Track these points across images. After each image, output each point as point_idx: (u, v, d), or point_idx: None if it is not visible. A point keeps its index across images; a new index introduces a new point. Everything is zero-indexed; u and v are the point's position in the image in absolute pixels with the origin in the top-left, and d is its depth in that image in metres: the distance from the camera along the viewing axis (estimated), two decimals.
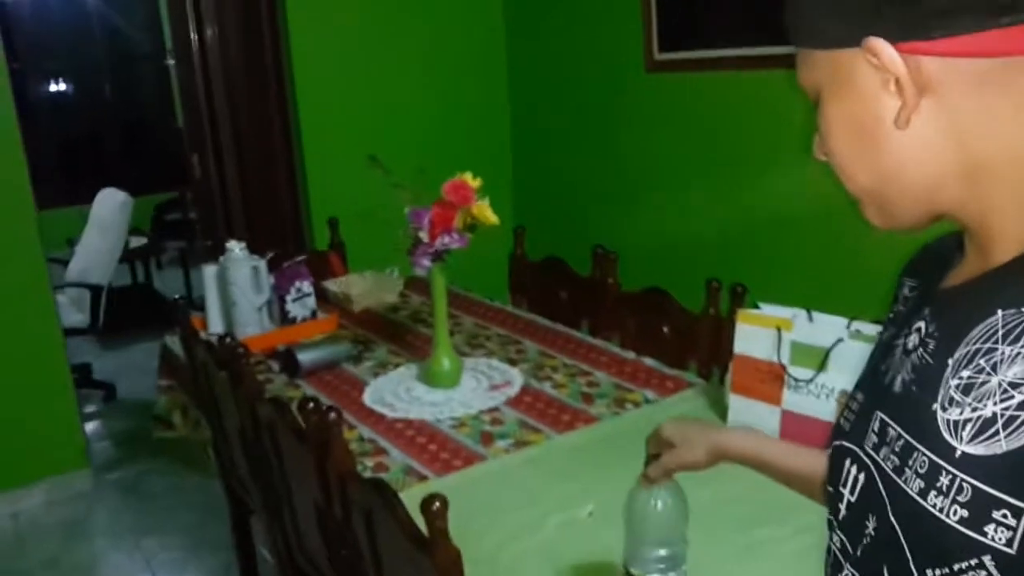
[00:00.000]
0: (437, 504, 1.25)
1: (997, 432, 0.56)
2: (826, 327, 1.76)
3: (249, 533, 2.67)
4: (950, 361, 0.62)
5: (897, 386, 0.68)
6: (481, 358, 2.42)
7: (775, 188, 2.94)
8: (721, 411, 1.95)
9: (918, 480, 0.61)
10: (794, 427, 1.80)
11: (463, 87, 4.03)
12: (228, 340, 2.14)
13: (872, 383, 0.73)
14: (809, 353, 1.77)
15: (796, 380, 1.79)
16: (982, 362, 0.59)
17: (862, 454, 0.70)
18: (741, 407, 1.89)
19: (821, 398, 1.75)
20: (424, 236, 2.10)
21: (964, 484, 0.57)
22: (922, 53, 0.60)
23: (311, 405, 1.69)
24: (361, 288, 3.00)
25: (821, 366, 1.75)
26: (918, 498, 0.60)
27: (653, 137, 3.43)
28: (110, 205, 4.91)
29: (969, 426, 0.58)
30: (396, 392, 2.22)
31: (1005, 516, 0.54)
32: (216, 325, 2.71)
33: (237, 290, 2.61)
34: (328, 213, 3.42)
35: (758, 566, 1.44)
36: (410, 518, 1.32)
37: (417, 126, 3.87)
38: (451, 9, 3.94)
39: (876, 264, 2.56)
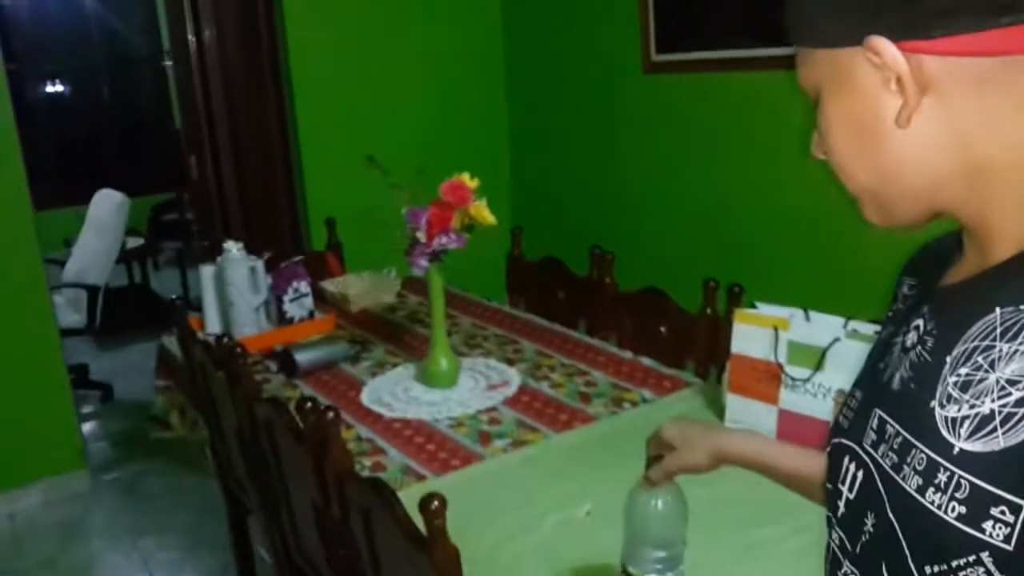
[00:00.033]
0: (436, 503, 1.25)
1: (995, 429, 0.56)
2: (823, 327, 1.77)
3: (247, 533, 2.67)
4: (948, 358, 0.62)
5: (895, 383, 0.68)
6: (479, 358, 2.42)
7: (772, 188, 2.94)
8: (718, 410, 1.96)
9: (916, 477, 0.61)
10: (791, 426, 1.80)
11: (461, 87, 4.04)
12: (226, 340, 2.14)
13: (871, 381, 0.74)
14: (806, 353, 1.77)
15: (793, 379, 1.79)
16: (980, 359, 0.59)
17: (861, 451, 0.70)
18: (738, 406, 1.89)
19: (818, 397, 1.76)
20: (421, 236, 2.10)
21: (962, 481, 0.57)
22: (923, 52, 0.61)
23: (309, 405, 1.69)
24: (358, 288, 3.00)
25: (818, 366, 1.75)
26: (916, 495, 0.61)
27: (650, 138, 3.43)
28: (107, 206, 4.91)
29: (967, 423, 0.58)
30: (394, 392, 2.23)
31: (1003, 512, 0.55)
32: (213, 325, 2.70)
33: (234, 290, 2.61)
34: (325, 213, 3.42)
35: (757, 566, 1.45)
36: (408, 517, 1.32)
37: (415, 126, 3.88)
38: (449, 10, 3.95)
39: (873, 264, 2.57)
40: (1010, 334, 0.58)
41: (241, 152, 4.27)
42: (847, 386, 1.73)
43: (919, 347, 0.67)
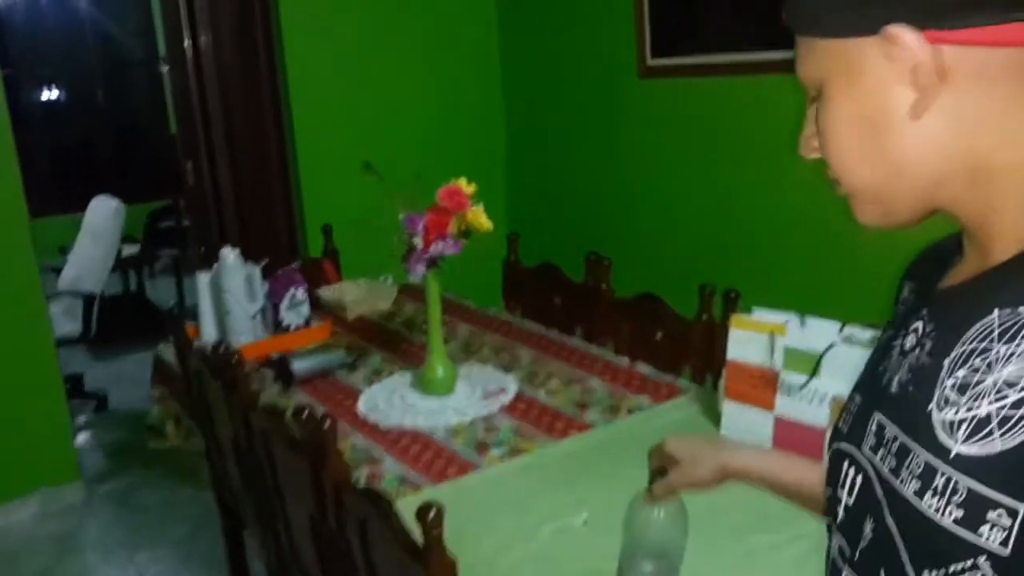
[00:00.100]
0: (433, 512, 1.24)
1: (992, 432, 0.56)
2: (819, 332, 1.76)
3: (242, 546, 2.66)
4: (946, 361, 0.62)
5: (894, 387, 0.68)
6: (475, 365, 2.42)
7: (767, 193, 2.94)
8: (715, 417, 1.95)
9: (914, 481, 0.61)
10: (787, 433, 1.79)
11: (457, 93, 4.05)
12: (222, 349, 2.13)
13: (870, 384, 0.73)
14: (802, 358, 1.77)
15: (789, 385, 1.79)
16: (978, 361, 0.59)
17: (860, 456, 0.70)
18: (734, 413, 1.89)
19: (814, 404, 1.75)
20: (419, 242, 2.09)
21: (959, 484, 0.57)
22: (945, 42, 0.60)
23: (306, 414, 1.69)
24: (355, 295, 2.99)
25: (814, 372, 1.75)
26: (914, 499, 0.60)
27: (646, 142, 3.43)
28: (103, 212, 4.89)
29: (964, 426, 0.58)
30: (390, 400, 2.22)
31: (1000, 516, 0.54)
32: (210, 334, 2.69)
33: (231, 298, 2.60)
34: (322, 220, 3.41)
35: (756, 574, 1.44)
36: (405, 528, 1.31)
37: (411, 132, 3.88)
38: (445, 15, 3.95)
39: (870, 267, 2.56)
40: (1008, 336, 0.57)
41: (237, 158, 4.27)
42: (842, 392, 1.73)
43: (917, 350, 0.67)
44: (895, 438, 0.65)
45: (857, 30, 0.63)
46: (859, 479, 0.69)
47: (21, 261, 3.45)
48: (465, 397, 2.20)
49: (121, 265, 5.75)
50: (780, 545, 1.46)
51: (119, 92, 8.04)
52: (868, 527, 0.67)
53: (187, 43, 4.23)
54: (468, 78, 4.08)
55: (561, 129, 3.88)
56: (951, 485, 0.57)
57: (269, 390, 2.35)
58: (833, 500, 0.74)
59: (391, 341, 2.67)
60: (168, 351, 2.68)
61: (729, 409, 1.90)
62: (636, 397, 2.14)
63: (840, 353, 1.71)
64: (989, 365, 0.58)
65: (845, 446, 0.73)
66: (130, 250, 5.87)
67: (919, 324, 0.68)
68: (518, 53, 4.07)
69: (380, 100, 3.83)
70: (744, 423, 1.86)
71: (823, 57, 0.67)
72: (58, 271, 4.86)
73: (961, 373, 0.60)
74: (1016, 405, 0.55)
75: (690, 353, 2.34)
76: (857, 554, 0.69)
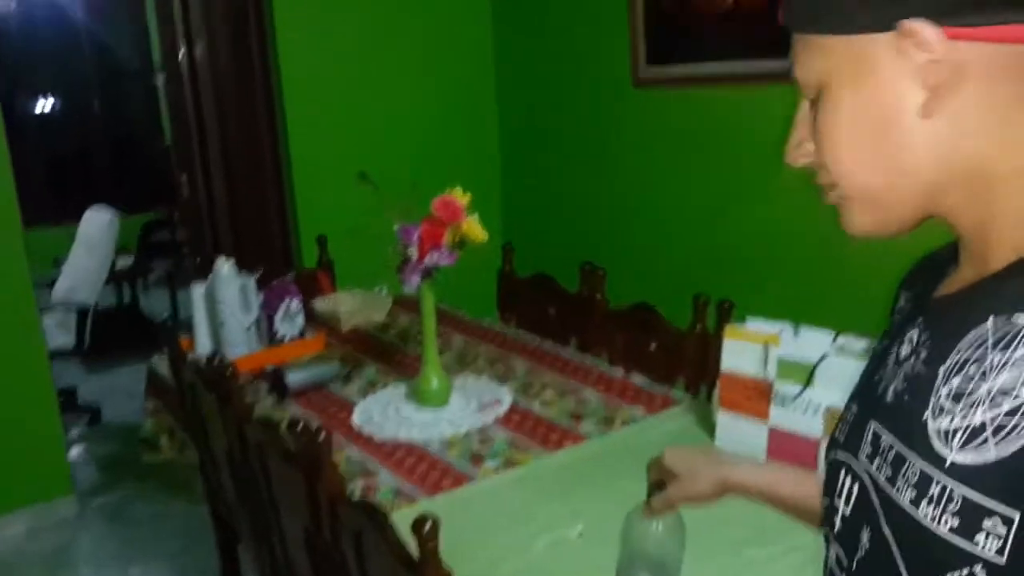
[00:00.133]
0: (428, 525, 1.24)
1: (986, 440, 0.56)
2: (812, 342, 1.77)
3: (236, 559, 2.65)
4: (941, 369, 0.62)
5: (889, 396, 0.68)
6: (470, 376, 2.42)
7: (762, 203, 2.95)
8: (709, 428, 1.95)
9: (910, 490, 0.60)
10: (781, 443, 1.80)
11: (452, 103, 4.05)
12: (217, 361, 2.13)
13: (866, 394, 0.73)
14: (796, 369, 1.77)
15: (783, 396, 1.79)
16: (972, 370, 0.59)
17: (856, 465, 0.70)
18: (729, 424, 1.89)
19: (808, 414, 1.75)
20: (413, 253, 2.10)
21: (955, 493, 0.57)
22: (963, 38, 0.59)
23: (300, 427, 1.68)
24: (350, 306, 2.99)
25: (807, 382, 1.75)
26: (910, 508, 0.60)
27: (640, 152, 3.44)
28: (97, 223, 4.89)
29: (959, 434, 0.58)
30: (385, 412, 2.21)
31: (995, 525, 0.54)
32: (204, 345, 2.69)
33: (226, 309, 2.60)
34: (316, 231, 3.41)
35: None
36: (400, 541, 1.31)
37: (406, 143, 3.88)
38: (440, 25, 3.96)
39: (861, 277, 2.57)
40: (1002, 344, 0.57)
41: (232, 169, 4.27)
42: (836, 402, 1.73)
43: (913, 358, 0.66)
44: (891, 447, 0.65)
45: (870, 25, 0.62)
46: (856, 488, 0.69)
47: (14, 272, 3.43)
48: (460, 409, 2.20)
49: (115, 277, 5.74)
50: (776, 557, 1.46)
51: (114, 103, 8.04)
52: (865, 536, 0.66)
53: (182, 53, 4.24)
54: (463, 88, 4.09)
55: (556, 139, 3.89)
56: (946, 494, 0.57)
57: (263, 402, 2.35)
58: (830, 509, 0.74)
59: (386, 352, 2.67)
60: (162, 363, 2.67)
61: (723, 420, 1.90)
62: (630, 408, 2.14)
63: (834, 363, 1.71)
64: (983, 373, 0.57)
65: (842, 455, 0.73)
66: (124, 262, 5.85)
67: (914, 333, 0.68)
68: (513, 63, 4.08)
69: (375, 110, 3.84)
70: (738, 434, 1.86)
71: (828, 55, 0.65)
72: (52, 283, 4.85)
73: (956, 381, 0.59)
74: (1010, 413, 0.55)
75: (684, 363, 2.35)
76: (854, 563, 0.69)
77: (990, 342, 0.58)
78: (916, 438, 0.61)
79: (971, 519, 0.55)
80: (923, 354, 0.65)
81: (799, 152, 0.72)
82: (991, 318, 0.59)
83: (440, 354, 2.26)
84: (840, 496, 0.71)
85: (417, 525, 1.25)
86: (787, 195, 2.80)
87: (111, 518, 3.64)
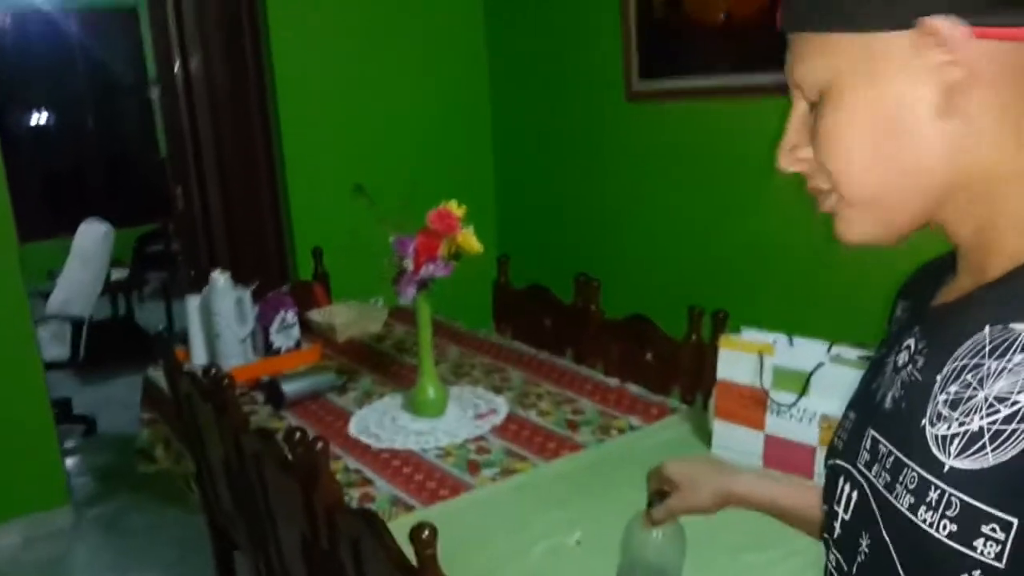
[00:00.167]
0: (427, 532, 1.24)
1: (984, 446, 0.56)
2: (807, 351, 1.78)
3: (233, 570, 2.64)
4: (938, 377, 0.62)
5: (887, 403, 0.68)
6: (466, 387, 2.42)
7: (754, 215, 2.97)
8: (705, 436, 1.96)
9: (908, 496, 0.61)
10: (777, 451, 1.81)
11: (446, 116, 4.07)
12: (213, 371, 2.13)
13: (864, 401, 0.74)
14: (791, 378, 1.79)
15: (778, 405, 1.80)
16: (969, 377, 0.59)
17: (855, 472, 0.70)
18: (725, 433, 1.90)
19: (803, 422, 1.76)
20: (409, 265, 2.11)
21: (953, 499, 0.57)
22: (987, 37, 0.59)
23: (297, 436, 1.69)
24: (345, 318, 3.00)
25: (803, 390, 1.76)
26: (908, 514, 0.60)
27: (634, 165, 3.46)
28: (92, 236, 4.90)
29: (957, 441, 0.58)
30: (381, 422, 2.22)
31: (994, 530, 0.55)
32: (200, 357, 2.70)
33: (221, 321, 2.61)
34: (312, 243, 3.42)
35: None
36: (399, 548, 1.32)
37: (401, 156, 3.89)
38: (434, 39, 3.98)
39: (853, 288, 2.60)
40: (998, 352, 0.58)
41: (227, 181, 4.28)
42: (832, 411, 1.75)
43: (910, 366, 0.67)
44: (889, 453, 0.65)
45: (888, 23, 0.61)
46: (855, 495, 0.69)
47: (9, 285, 3.44)
48: (456, 418, 2.21)
49: (110, 289, 5.74)
50: (775, 562, 1.46)
51: (109, 117, 8.05)
52: (864, 542, 0.67)
53: (177, 67, 4.25)
54: (457, 102, 4.11)
55: (550, 152, 3.91)
56: (944, 499, 0.58)
57: (260, 412, 2.35)
58: (830, 516, 0.74)
59: (382, 363, 2.68)
60: (158, 374, 2.68)
61: (719, 428, 1.91)
62: (627, 417, 2.15)
63: (829, 372, 1.73)
64: (980, 381, 0.58)
65: (840, 462, 0.73)
66: (119, 274, 5.86)
67: (912, 341, 0.69)
68: (507, 76, 4.10)
69: (370, 123, 3.85)
70: (734, 442, 1.87)
71: (837, 54, 0.64)
72: (46, 295, 4.86)
73: (953, 389, 0.60)
74: (1007, 420, 0.55)
75: (679, 373, 2.36)
76: (854, 569, 0.69)
77: (987, 350, 0.59)
78: (914, 445, 0.62)
79: (969, 525, 0.56)
80: (920, 362, 0.66)
81: (793, 157, 0.71)
82: (988, 326, 0.60)
83: (436, 364, 2.27)
84: (839, 502, 0.72)
85: (415, 532, 1.25)
86: (779, 207, 2.83)
87: (107, 528, 3.63)
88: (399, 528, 1.35)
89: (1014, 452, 0.55)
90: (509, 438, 2.09)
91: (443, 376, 2.41)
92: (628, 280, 3.36)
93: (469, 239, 2.11)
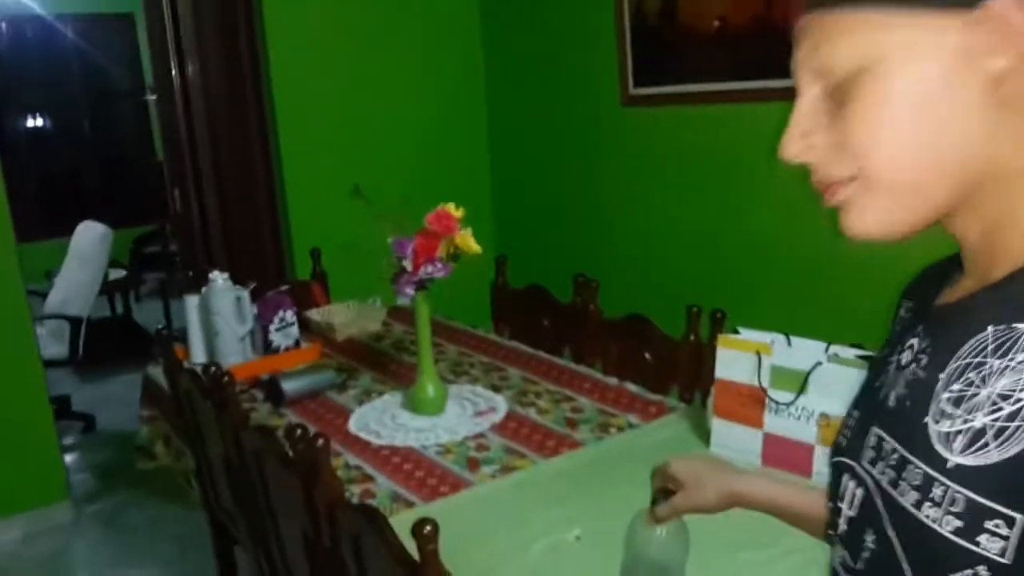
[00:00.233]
0: (428, 528, 1.25)
1: (987, 443, 0.57)
2: (805, 351, 1.79)
3: (233, 564, 2.66)
4: (942, 375, 0.63)
5: (891, 401, 0.69)
6: (465, 385, 2.44)
7: (748, 218, 2.99)
8: (703, 435, 1.98)
9: (913, 492, 0.61)
10: (776, 450, 1.82)
11: (443, 119, 4.09)
12: (214, 369, 2.14)
13: (867, 400, 0.74)
14: (789, 377, 1.80)
15: (777, 403, 1.82)
16: (972, 375, 0.60)
17: (859, 469, 0.70)
18: (723, 431, 1.91)
19: (802, 421, 1.78)
20: (408, 265, 2.12)
21: (957, 495, 0.58)
22: None
23: (298, 432, 1.70)
24: (344, 317, 3.01)
25: (801, 389, 1.78)
26: (913, 510, 0.61)
27: (629, 167, 3.48)
28: (90, 237, 4.91)
29: (960, 437, 0.59)
30: (381, 420, 2.23)
31: (998, 526, 0.55)
32: (199, 355, 2.71)
33: (220, 320, 2.62)
34: (309, 244, 3.43)
35: None
36: (400, 543, 1.33)
37: (398, 158, 3.91)
38: (430, 44, 4.00)
39: (851, 289, 2.61)
40: (1001, 350, 0.58)
41: (224, 183, 4.28)
42: (830, 409, 1.76)
43: (914, 365, 0.67)
44: (893, 451, 0.65)
45: (951, 3, 0.59)
46: (859, 492, 0.70)
47: (8, 285, 3.46)
48: (456, 416, 2.22)
49: (108, 289, 5.75)
50: (775, 559, 1.47)
51: (105, 120, 8.08)
52: (870, 539, 0.67)
53: (174, 72, 4.26)
54: (453, 105, 4.12)
55: (546, 155, 3.92)
56: (949, 496, 0.58)
57: (259, 410, 2.36)
58: (834, 513, 0.74)
59: (381, 362, 2.69)
60: (157, 372, 2.69)
61: (718, 426, 1.92)
62: (625, 415, 2.16)
63: (827, 371, 1.74)
64: (984, 378, 0.59)
65: (845, 459, 0.74)
66: (116, 275, 5.87)
67: (915, 340, 0.69)
68: (503, 80, 4.12)
69: (367, 126, 3.87)
70: (733, 440, 1.89)
71: (879, 32, 0.62)
72: (43, 295, 4.86)
73: (956, 387, 0.61)
74: (1011, 417, 0.56)
75: (678, 373, 2.37)
76: (860, 565, 0.70)
77: (990, 348, 0.59)
78: (918, 442, 0.62)
79: (974, 520, 0.56)
80: (924, 360, 0.66)
81: (804, 144, 0.68)
82: (991, 326, 0.60)
83: (435, 363, 2.28)
84: (844, 500, 0.72)
85: (417, 528, 1.26)
86: (774, 208, 2.85)
87: (106, 524, 3.65)
88: (400, 524, 1.35)
89: (1017, 448, 0.55)
90: (508, 436, 2.10)
91: (442, 374, 2.42)
92: (625, 280, 3.38)
93: (467, 240, 2.12)
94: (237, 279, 2.71)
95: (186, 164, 4.41)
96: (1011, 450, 0.55)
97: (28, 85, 7.59)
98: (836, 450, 0.77)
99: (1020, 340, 0.58)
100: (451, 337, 2.87)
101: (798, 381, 1.78)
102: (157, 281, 6.65)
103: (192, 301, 2.71)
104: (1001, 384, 0.57)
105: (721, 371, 1.92)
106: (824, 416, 1.75)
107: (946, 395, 0.61)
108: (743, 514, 1.06)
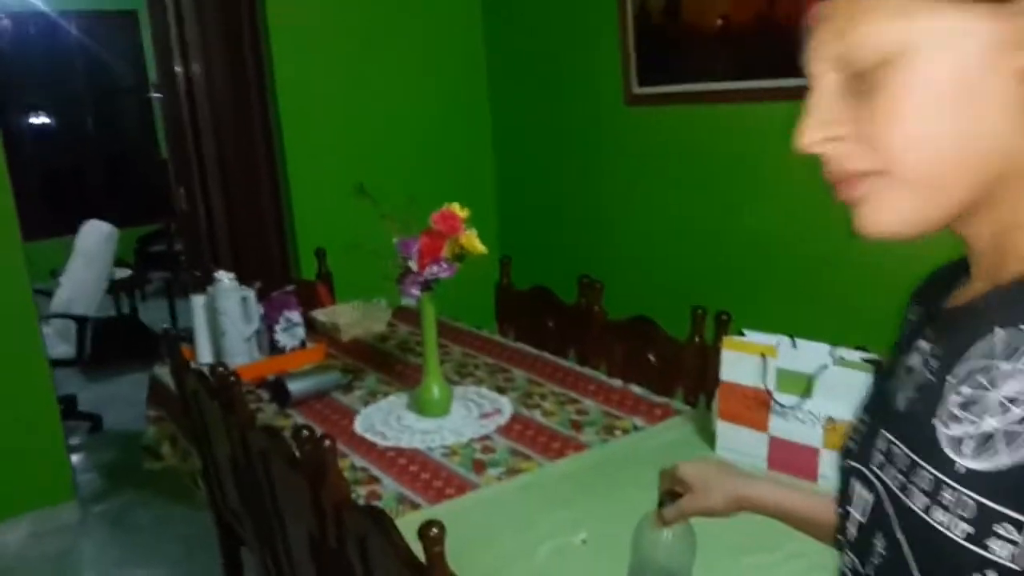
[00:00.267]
0: (435, 530, 1.26)
1: (997, 447, 0.56)
2: (810, 354, 1.79)
3: (239, 565, 2.67)
4: (951, 379, 0.62)
5: (901, 405, 0.69)
6: (470, 386, 2.44)
7: (752, 217, 2.99)
8: (708, 438, 1.98)
9: (922, 497, 0.61)
10: (781, 453, 1.82)
11: (447, 119, 4.09)
12: (221, 369, 2.15)
13: (877, 404, 0.74)
14: (794, 379, 1.80)
15: (782, 406, 1.82)
16: (981, 379, 0.59)
17: (869, 473, 0.70)
18: (728, 434, 1.92)
19: (807, 424, 1.78)
20: (413, 265, 2.12)
21: (966, 499, 0.57)
22: None
23: (305, 433, 1.71)
24: (349, 318, 3.02)
25: (806, 392, 1.78)
26: (922, 514, 0.61)
27: (633, 167, 3.48)
28: (95, 236, 4.92)
29: (970, 441, 0.58)
30: (387, 421, 2.24)
31: (1008, 530, 0.55)
32: (205, 355, 2.72)
33: (227, 320, 2.63)
34: (314, 244, 3.44)
35: None
36: (407, 545, 1.33)
37: (402, 158, 3.92)
38: (435, 42, 4.01)
39: (858, 290, 2.61)
40: (1010, 354, 0.58)
41: (229, 183, 4.29)
42: (835, 412, 1.76)
43: (923, 368, 0.67)
44: (903, 455, 0.65)
45: None
46: (869, 496, 0.69)
47: (15, 283, 3.47)
48: (461, 418, 2.23)
49: (113, 288, 5.76)
50: (778, 563, 1.47)
51: (110, 118, 8.09)
52: (879, 543, 0.67)
53: (178, 69, 4.27)
54: (457, 104, 4.13)
55: (550, 154, 3.93)
56: (958, 500, 0.58)
57: (265, 410, 2.37)
58: (844, 518, 0.74)
59: (386, 363, 2.70)
60: (164, 372, 2.70)
61: (723, 429, 1.93)
62: (630, 418, 2.16)
63: (832, 374, 1.74)
64: (992, 382, 0.58)
65: (854, 464, 0.74)
66: (121, 274, 5.88)
67: (924, 343, 0.69)
68: (506, 80, 4.12)
69: (370, 126, 3.88)
70: (738, 443, 1.89)
71: (911, 20, 0.60)
72: (49, 294, 4.88)
73: (965, 390, 0.60)
74: (1020, 421, 0.56)
75: (683, 375, 2.37)
76: (869, 570, 0.69)
77: (998, 352, 0.59)
78: (927, 446, 0.62)
79: (983, 524, 0.56)
80: (933, 364, 0.66)
81: (826, 133, 0.65)
82: (999, 329, 0.60)
83: (440, 364, 2.29)
84: (853, 504, 0.72)
85: (424, 530, 1.27)
86: (779, 209, 2.86)
87: (113, 523, 3.66)
88: (406, 526, 1.36)
89: None
90: (514, 438, 2.10)
91: (447, 376, 2.42)
92: (629, 281, 3.38)
93: (473, 241, 2.12)
94: (243, 279, 2.72)
95: (191, 162, 4.42)
96: (1020, 453, 0.55)
97: (32, 82, 7.61)
98: (845, 454, 0.77)
99: None
100: (456, 338, 2.88)
101: (803, 384, 1.78)
102: (162, 280, 6.66)
103: (199, 301, 2.72)
104: (1010, 388, 0.57)
105: (726, 374, 1.92)
106: (830, 419, 1.75)
107: (955, 398, 0.61)
108: (747, 518, 1.06)
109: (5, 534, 3.53)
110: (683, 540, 1.12)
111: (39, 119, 7.82)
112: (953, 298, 0.70)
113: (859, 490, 0.72)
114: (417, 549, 1.29)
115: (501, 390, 2.40)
